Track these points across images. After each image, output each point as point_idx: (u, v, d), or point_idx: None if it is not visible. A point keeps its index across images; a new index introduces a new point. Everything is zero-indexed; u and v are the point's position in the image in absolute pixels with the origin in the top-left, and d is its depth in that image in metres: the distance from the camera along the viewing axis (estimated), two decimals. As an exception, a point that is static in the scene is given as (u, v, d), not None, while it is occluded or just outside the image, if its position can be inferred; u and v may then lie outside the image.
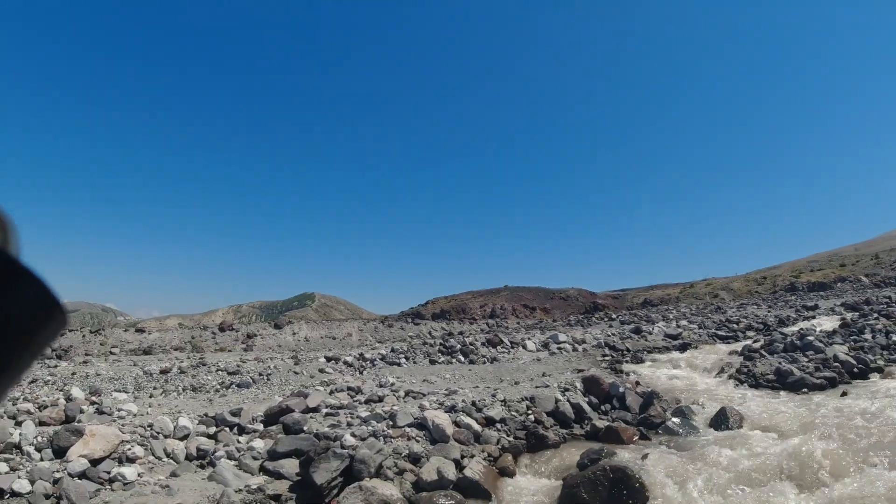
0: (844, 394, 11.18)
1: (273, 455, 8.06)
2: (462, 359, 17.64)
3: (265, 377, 14.09)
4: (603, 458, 8.07)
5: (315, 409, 10.33)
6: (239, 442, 8.82)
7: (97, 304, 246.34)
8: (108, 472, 7.17)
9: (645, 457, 8.27)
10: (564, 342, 19.83)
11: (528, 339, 20.84)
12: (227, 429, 9.25)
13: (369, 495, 6.76)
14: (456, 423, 9.48)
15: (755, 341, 16.98)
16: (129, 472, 7.17)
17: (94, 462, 7.39)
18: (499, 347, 19.37)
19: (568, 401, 11.17)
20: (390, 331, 34.88)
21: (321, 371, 15.27)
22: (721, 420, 9.99)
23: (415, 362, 17.20)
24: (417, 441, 8.81)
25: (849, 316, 21.63)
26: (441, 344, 19.55)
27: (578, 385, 12.47)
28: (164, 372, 14.60)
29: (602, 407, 11.60)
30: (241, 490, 7.05)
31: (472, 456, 8.55)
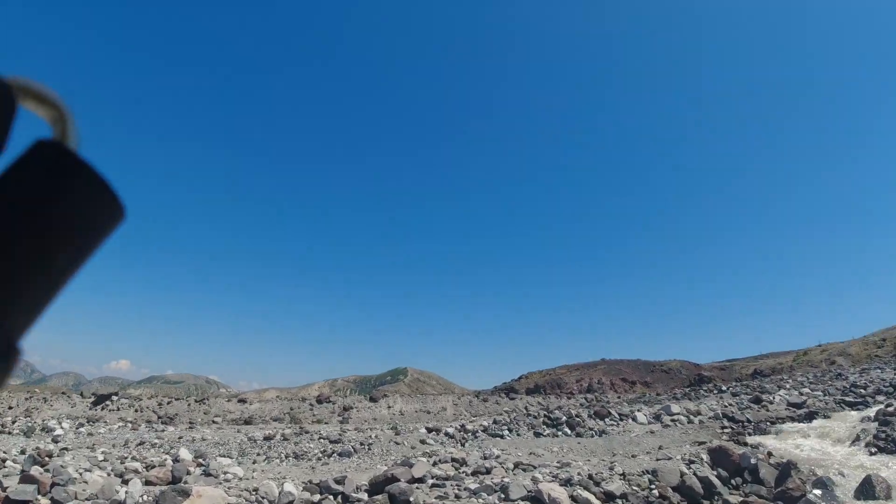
0: None
1: (380, 526, 7.54)
2: (568, 431, 16.56)
3: (366, 447, 13.75)
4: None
5: (420, 480, 9.80)
6: (343, 511, 8.38)
7: (201, 375, 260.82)
8: (215, 537, 6.90)
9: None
10: (678, 414, 18.30)
11: (637, 411, 19.37)
12: (331, 496, 8.87)
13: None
14: (573, 498, 8.71)
15: (888, 405, 15.70)
16: (234, 537, 6.87)
17: (201, 526, 7.15)
18: (607, 420, 18.08)
19: (694, 474, 10.11)
20: (485, 405, 33.80)
21: (422, 442, 14.76)
22: (867, 490, 9.33)
23: (518, 434, 16.30)
24: (533, 516, 8.06)
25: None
26: (545, 415, 18.54)
27: (704, 457, 11.28)
28: (267, 438, 14.64)
29: (732, 481, 10.57)
30: (348, 563, 6.55)
31: (595, 535, 7.69)
